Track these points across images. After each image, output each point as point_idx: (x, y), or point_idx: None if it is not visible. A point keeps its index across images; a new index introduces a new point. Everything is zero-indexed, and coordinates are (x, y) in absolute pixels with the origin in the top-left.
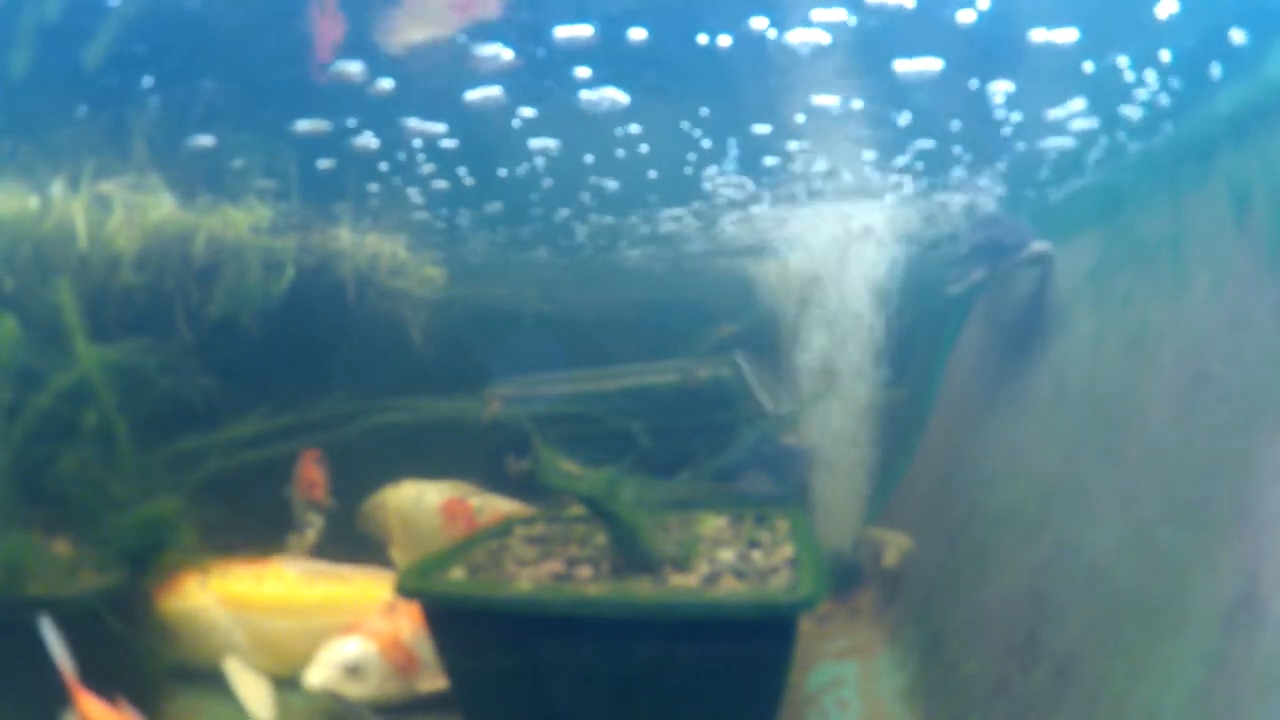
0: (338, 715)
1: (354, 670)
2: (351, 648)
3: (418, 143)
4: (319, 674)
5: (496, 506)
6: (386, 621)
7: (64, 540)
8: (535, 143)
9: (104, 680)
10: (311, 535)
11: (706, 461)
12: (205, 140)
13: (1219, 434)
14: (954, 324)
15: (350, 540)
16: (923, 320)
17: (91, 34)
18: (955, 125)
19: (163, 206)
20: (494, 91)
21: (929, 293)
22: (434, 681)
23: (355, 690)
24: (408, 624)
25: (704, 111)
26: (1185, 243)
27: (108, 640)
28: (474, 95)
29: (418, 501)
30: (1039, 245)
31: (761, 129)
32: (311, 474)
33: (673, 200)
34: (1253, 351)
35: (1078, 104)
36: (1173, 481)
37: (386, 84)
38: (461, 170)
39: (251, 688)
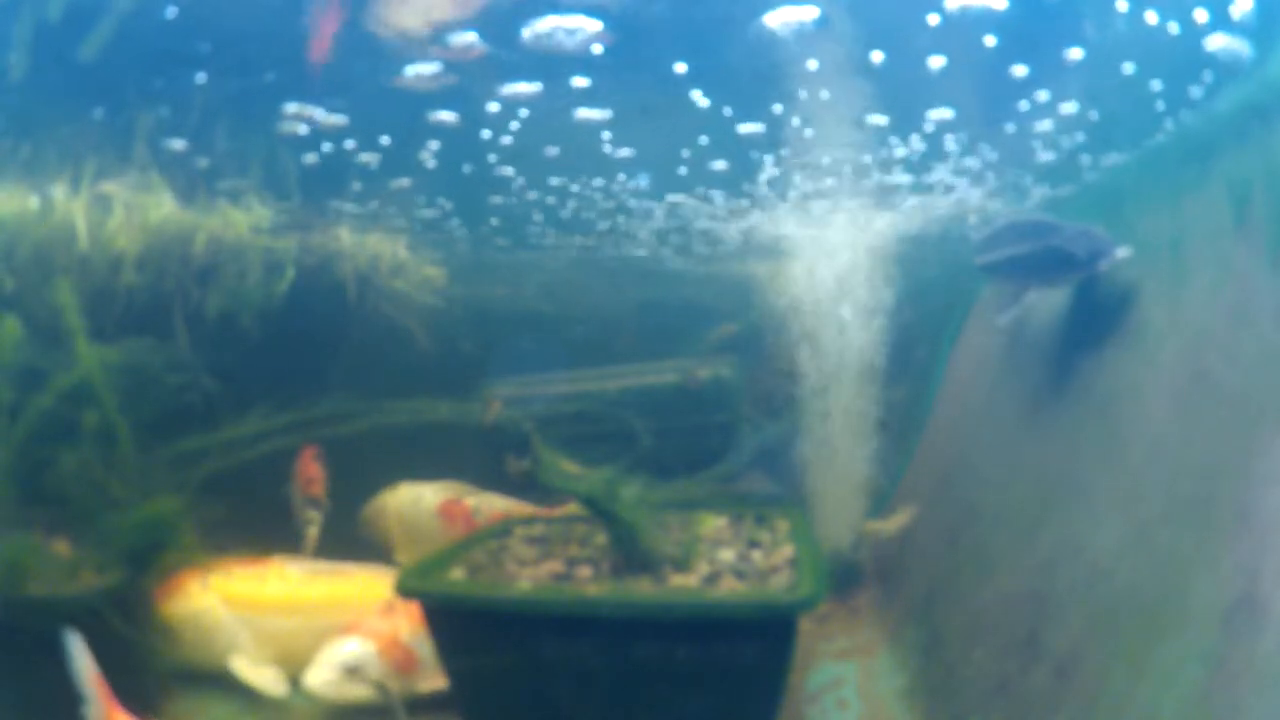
0: (380, 707)
1: (354, 671)
2: (350, 648)
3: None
4: (319, 675)
5: (493, 505)
6: (385, 621)
7: (64, 540)
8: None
9: (104, 679)
10: (313, 533)
11: (718, 464)
12: (178, 144)
13: (1219, 434)
14: (954, 324)
15: (352, 543)
16: (923, 319)
17: (90, 32)
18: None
19: (163, 207)
20: (534, 88)
21: (929, 292)
22: (433, 681)
23: (355, 691)
24: (406, 623)
25: (704, 107)
26: (1185, 243)
27: (108, 640)
28: (509, 90)
29: (416, 504)
30: (1123, 251)
31: (758, 126)
32: (310, 470)
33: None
34: (1253, 351)
35: None
36: (1173, 481)
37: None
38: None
39: (262, 674)
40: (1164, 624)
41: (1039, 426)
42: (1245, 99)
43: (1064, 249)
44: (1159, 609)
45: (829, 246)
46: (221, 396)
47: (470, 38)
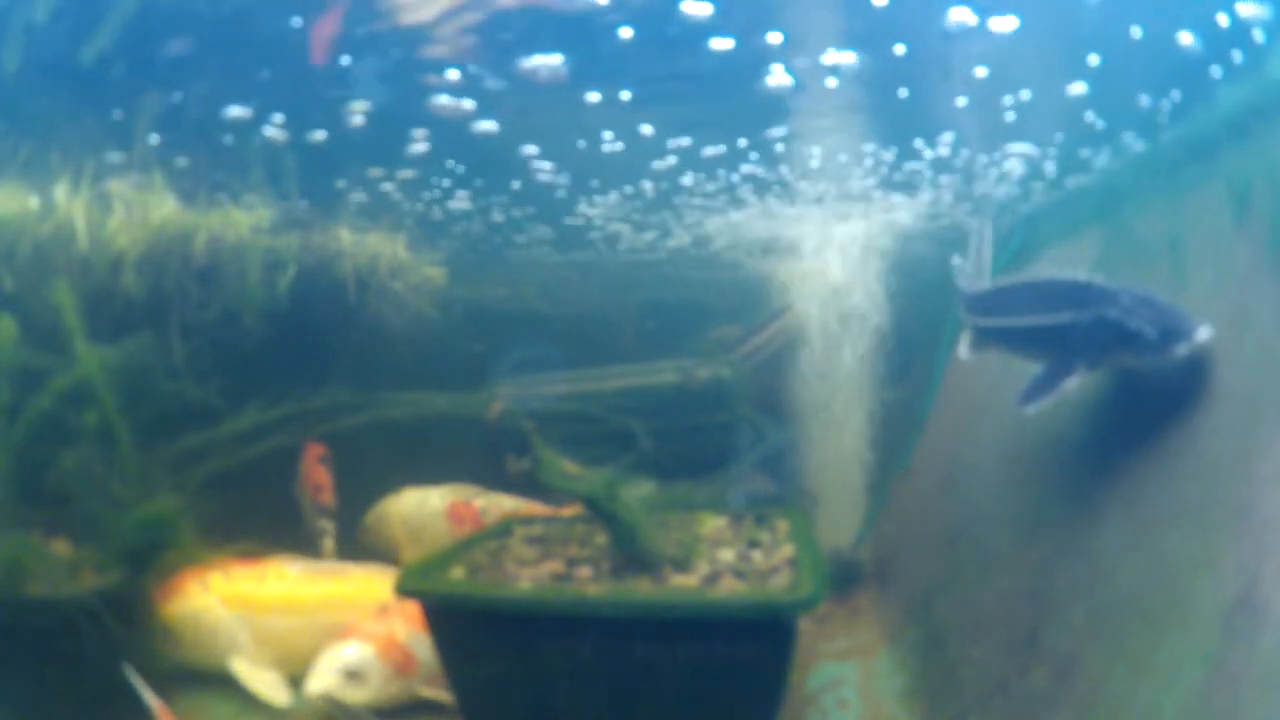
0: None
1: (354, 675)
2: (350, 652)
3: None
4: (320, 681)
5: (501, 505)
6: (380, 624)
7: (64, 540)
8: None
9: (104, 680)
10: (329, 544)
11: (721, 470)
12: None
13: (1219, 434)
14: (954, 324)
15: (355, 549)
16: (923, 320)
17: (91, 31)
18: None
19: (164, 206)
20: (556, 61)
21: (929, 291)
22: (435, 688)
23: (357, 694)
24: (402, 625)
25: (704, 109)
26: (1185, 242)
27: (108, 640)
28: (530, 63)
29: (421, 508)
30: (1205, 331)
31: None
32: (319, 477)
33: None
34: (1253, 351)
35: None
36: (1173, 482)
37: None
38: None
39: (263, 679)
40: (1164, 625)
41: (1039, 426)
42: (1245, 99)
43: (1123, 324)
44: (1159, 609)
45: (828, 247)
46: (221, 397)
47: None
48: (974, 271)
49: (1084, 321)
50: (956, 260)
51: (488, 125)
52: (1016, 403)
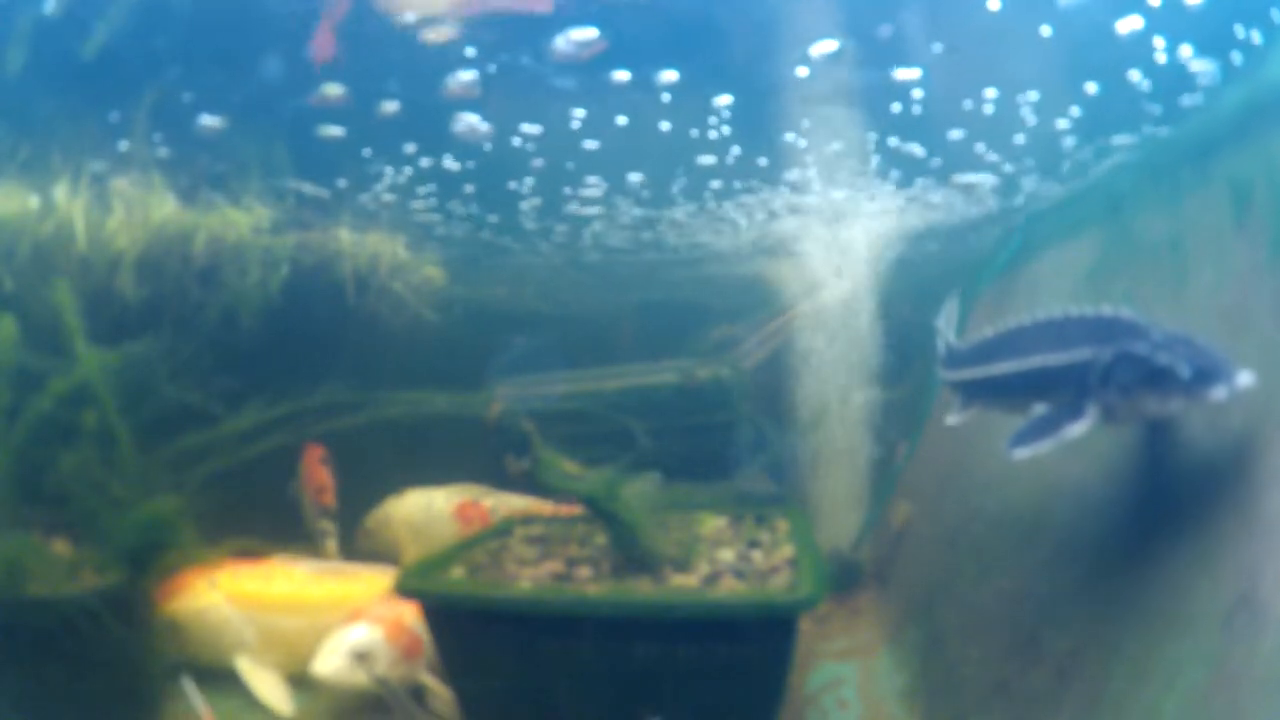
0: (380, 698)
1: (362, 656)
2: (358, 633)
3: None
4: (328, 662)
5: (510, 504)
6: (388, 607)
7: (64, 540)
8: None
9: (104, 679)
10: (331, 546)
11: (724, 474)
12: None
13: (1219, 434)
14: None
15: (354, 550)
16: (922, 319)
17: (91, 31)
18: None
19: (165, 206)
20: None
21: (930, 290)
22: (436, 682)
23: (364, 676)
24: (409, 609)
25: (706, 106)
26: (1185, 243)
27: (108, 640)
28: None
29: (427, 509)
30: (1246, 377)
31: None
32: (320, 477)
33: (671, 197)
34: (1253, 351)
35: None
36: (1173, 482)
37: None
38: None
39: (267, 684)
40: (1164, 625)
41: None
42: (1245, 99)
43: (1150, 360)
44: (1159, 610)
45: (828, 247)
46: (221, 396)
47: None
48: (945, 330)
49: (1104, 358)
50: (939, 323)
51: (472, 118)
52: (1006, 447)
